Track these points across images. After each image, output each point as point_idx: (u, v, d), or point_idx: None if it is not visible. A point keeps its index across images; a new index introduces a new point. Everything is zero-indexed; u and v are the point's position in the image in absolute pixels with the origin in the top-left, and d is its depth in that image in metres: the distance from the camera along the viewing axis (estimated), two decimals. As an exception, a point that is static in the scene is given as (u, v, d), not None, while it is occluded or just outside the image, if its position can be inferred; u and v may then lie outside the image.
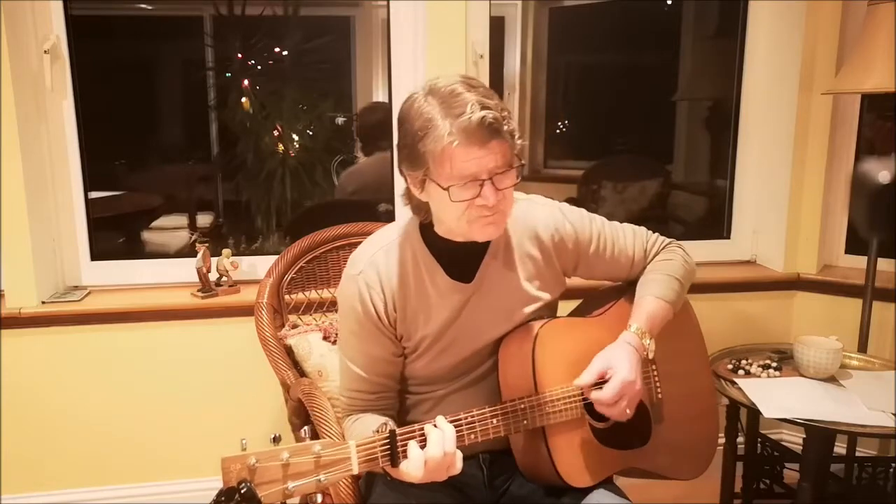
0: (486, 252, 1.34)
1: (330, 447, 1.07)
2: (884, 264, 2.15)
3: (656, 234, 1.53)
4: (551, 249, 1.39)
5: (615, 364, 1.30)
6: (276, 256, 1.92)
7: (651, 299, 1.42)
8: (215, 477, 0.99)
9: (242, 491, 0.98)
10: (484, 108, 1.13)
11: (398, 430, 1.14)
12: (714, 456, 1.57)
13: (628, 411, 1.30)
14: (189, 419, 2.19)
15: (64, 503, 2.18)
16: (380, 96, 2.57)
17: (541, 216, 1.39)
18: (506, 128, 1.16)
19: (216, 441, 2.17)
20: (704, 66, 2.75)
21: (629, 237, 1.48)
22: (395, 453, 1.12)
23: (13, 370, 2.09)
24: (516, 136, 1.20)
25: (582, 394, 1.33)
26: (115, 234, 2.46)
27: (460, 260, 1.32)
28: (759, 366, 1.92)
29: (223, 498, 0.98)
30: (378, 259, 1.32)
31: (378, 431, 1.13)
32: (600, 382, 1.30)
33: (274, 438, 1.06)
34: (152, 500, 2.22)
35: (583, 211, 1.45)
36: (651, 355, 1.37)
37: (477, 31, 2.20)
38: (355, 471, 1.08)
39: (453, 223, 1.24)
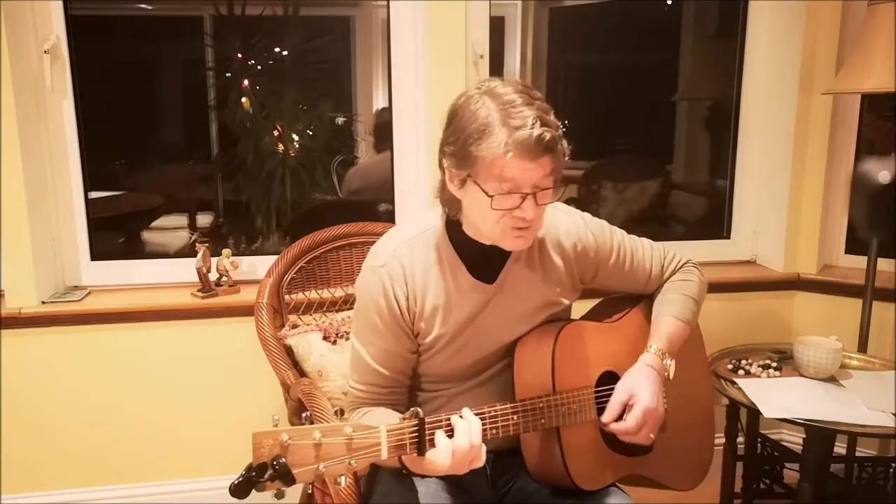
0: (510, 254, 1.34)
1: (361, 430, 1.05)
2: (884, 264, 2.15)
3: (673, 251, 1.55)
4: (572, 257, 1.40)
5: (636, 391, 1.31)
6: (276, 256, 1.92)
7: (670, 319, 1.43)
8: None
9: (276, 467, 0.96)
10: (543, 124, 1.14)
11: (426, 418, 1.13)
12: (710, 466, 1.58)
13: (652, 436, 1.32)
14: (189, 419, 2.19)
15: (64, 503, 2.18)
16: (380, 96, 2.57)
17: (564, 224, 1.40)
18: (559, 147, 1.17)
19: (216, 441, 2.17)
20: (704, 66, 2.75)
21: (647, 252, 1.50)
22: (422, 440, 1.12)
23: (13, 370, 2.09)
24: (566, 155, 1.20)
25: (596, 396, 1.35)
26: (115, 234, 2.46)
27: (484, 260, 1.32)
28: (759, 366, 1.92)
29: (254, 473, 0.96)
30: (402, 252, 1.32)
31: (407, 418, 1.12)
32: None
33: (306, 416, 1.05)
34: (152, 500, 2.22)
35: (604, 222, 1.46)
36: (671, 376, 1.39)
37: (477, 31, 2.20)
38: (384, 456, 1.07)
39: (485, 228, 1.25)
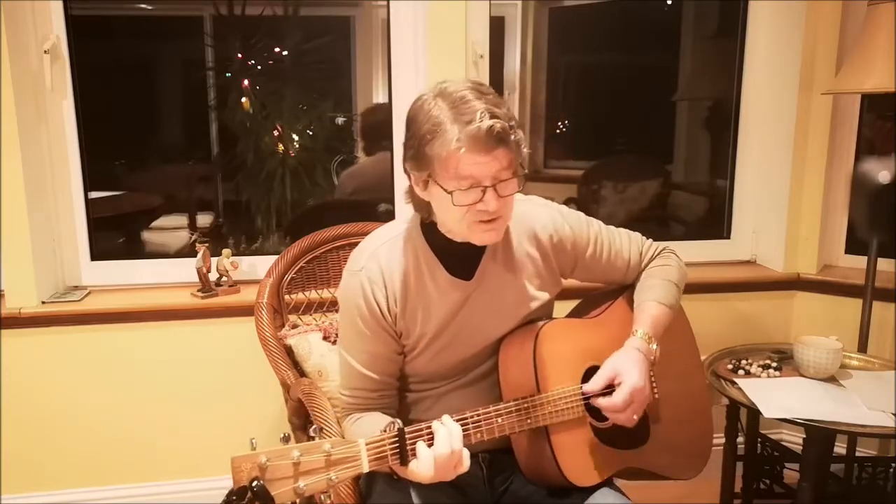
0: (486, 250, 1.35)
1: (339, 445, 1.06)
2: (884, 264, 2.15)
3: (650, 239, 1.56)
4: (549, 250, 1.40)
5: (623, 370, 1.31)
6: (276, 256, 1.92)
7: (654, 304, 1.43)
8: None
9: (255, 489, 0.97)
10: (493, 116, 1.15)
11: (406, 429, 1.14)
12: (710, 454, 1.58)
13: (635, 417, 1.32)
14: (189, 419, 2.19)
15: (64, 503, 2.18)
16: (380, 96, 2.57)
17: (540, 217, 1.40)
18: (512, 137, 1.17)
19: (216, 441, 2.17)
20: (704, 66, 2.75)
21: (625, 241, 1.50)
22: (404, 451, 1.12)
23: (13, 370, 2.09)
24: (522, 145, 1.21)
25: (583, 393, 1.34)
26: (115, 234, 2.46)
27: (461, 258, 1.33)
28: (759, 366, 1.92)
29: (234, 497, 0.97)
30: (380, 254, 1.33)
31: (386, 430, 1.13)
32: (608, 389, 1.31)
33: (283, 437, 1.05)
34: (152, 500, 2.22)
35: (581, 214, 1.47)
36: (657, 359, 1.39)
37: (477, 31, 2.20)
38: (365, 469, 1.08)
39: (454, 225, 1.26)
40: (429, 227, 1.33)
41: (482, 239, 1.26)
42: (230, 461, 0.99)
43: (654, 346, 1.38)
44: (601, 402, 1.30)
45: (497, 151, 1.16)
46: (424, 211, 1.31)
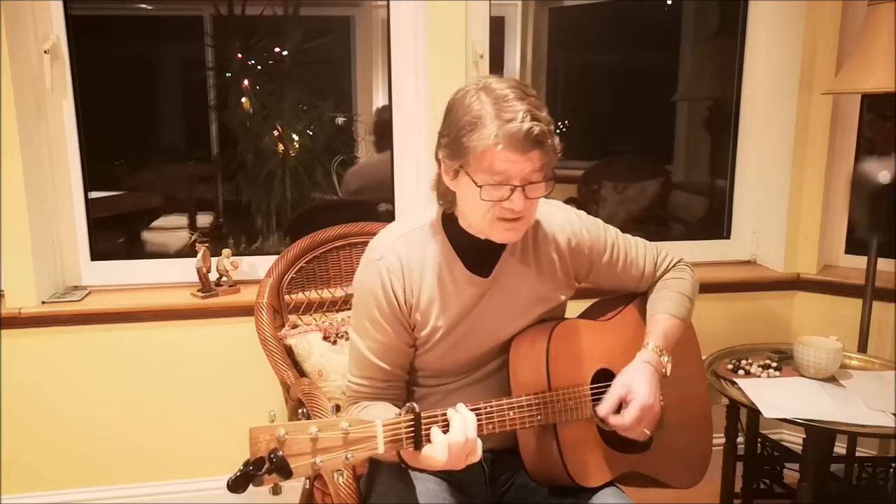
0: (505, 249, 1.36)
1: (357, 424, 1.06)
2: (884, 264, 2.15)
3: (666, 250, 1.56)
4: (567, 253, 1.41)
5: (634, 387, 1.32)
6: (276, 256, 1.92)
7: (666, 317, 1.45)
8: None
9: (274, 460, 0.97)
10: (534, 119, 1.16)
11: (422, 413, 1.14)
12: (709, 463, 1.58)
13: (647, 432, 1.33)
14: (189, 419, 2.19)
15: (64, 503, 2.18)
16: (380, 96, 2.57)
17: (558, 219, 1.42)
18: (549, 142, 1.19)
19: (216, 441, 2.17)
20: (704, 66, 2.75)
21: (641, 250, 1.51)
22: (419, 435, 1.12)
23: (13, 370, 2.09)
24: (557, 151, 1.23)
25: (592, 394, 1.35)
26: (115, 234, 2.46)
27: (479, 254, 1.34)
28: (759, 366, 1.92)
29: (252, 467, 0.97)
30: (399, 245, 1.34)
31: (402, 413, 1.13)
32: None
33: (303, 413, 1.05)
34: (152, 500, 2.22)
35: (598, 220, 1.48)
36: (668, 372, 1.40)
37: (477, 31, 2.21)
38: (380, 450, 1.08)
39: (475, 219, 1.27)
40: (450, 222, 1.34)
41: (501, 237, 1.27)
42: (248, 432, 0.99)
43: (666, 359, 1.39)
44: (612, 420, 1.32)
45: (532, 153, 1.18)
46: (448, 201, 1.32)
